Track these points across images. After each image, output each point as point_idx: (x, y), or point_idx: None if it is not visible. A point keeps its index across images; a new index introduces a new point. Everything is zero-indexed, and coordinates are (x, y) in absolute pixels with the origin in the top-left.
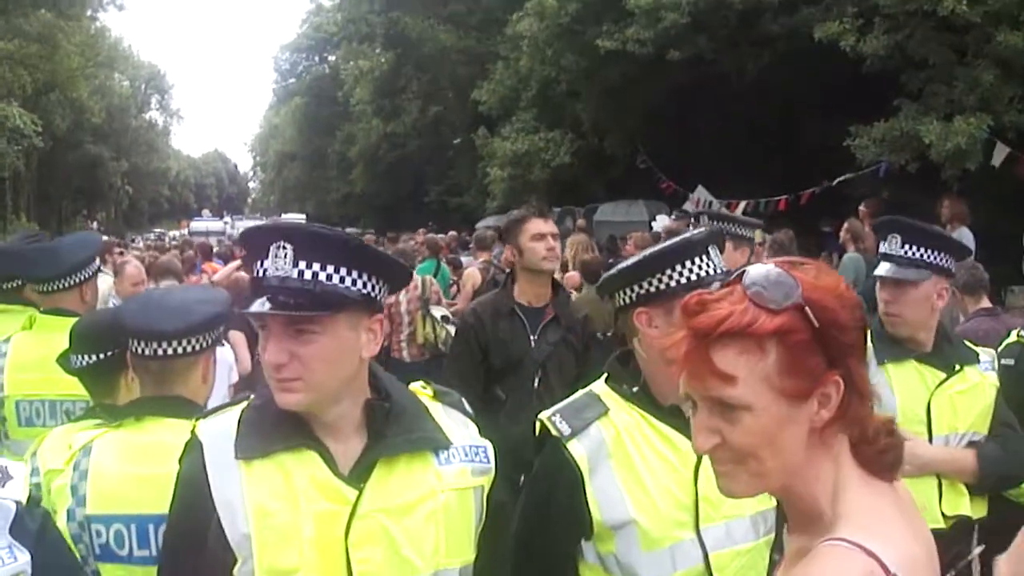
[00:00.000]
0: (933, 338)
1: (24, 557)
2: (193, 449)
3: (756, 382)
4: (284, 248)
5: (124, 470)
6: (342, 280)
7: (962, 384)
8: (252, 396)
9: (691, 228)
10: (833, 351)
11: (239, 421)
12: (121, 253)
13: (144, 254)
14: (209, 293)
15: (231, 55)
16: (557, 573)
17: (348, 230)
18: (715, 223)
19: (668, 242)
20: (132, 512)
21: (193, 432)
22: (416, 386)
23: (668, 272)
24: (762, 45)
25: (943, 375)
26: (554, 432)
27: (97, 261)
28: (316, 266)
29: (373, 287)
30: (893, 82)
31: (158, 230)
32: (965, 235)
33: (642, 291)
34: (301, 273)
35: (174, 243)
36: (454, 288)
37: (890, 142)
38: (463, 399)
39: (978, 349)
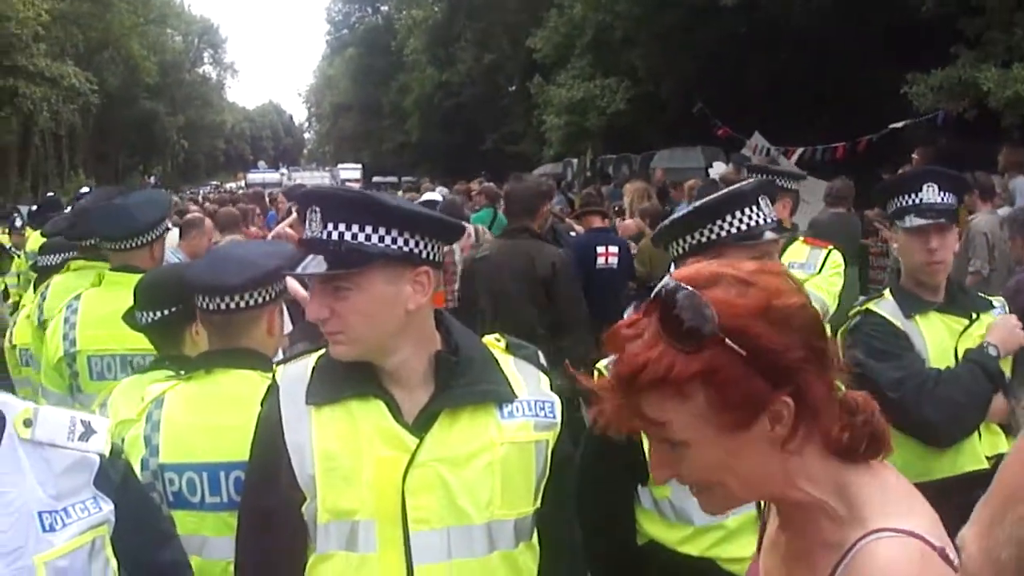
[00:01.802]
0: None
1: (108, 507)
2: (271, 393)
3: (690, 421)
4: (315, 212)
5: (195, 420)
6: (368, 238)
7: (982, 330)
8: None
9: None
10: (773, 373)
11: (313, 368)
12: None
13: (206, 207)
14: (272, 247)
15: (283, 7)
16: (617, 518)
17: (404, 179)
18: (755, 175)
19: (719, 193)
20: (204, 460)
21: (273, 376)
22: (490, 339)
23: (719, 222)
24: None
25: (965, 322)
26: None
27: (167, 221)
28: (342, 226)
29: (408, 242)
30: (951, 29)
31: (214, 182)
32: (1020, 184)
33: (694, 241)
34: (329, 234)
35: (241, 191)
36: None
37: (947, 90)
38: (539, 352)
39: (990, 297)
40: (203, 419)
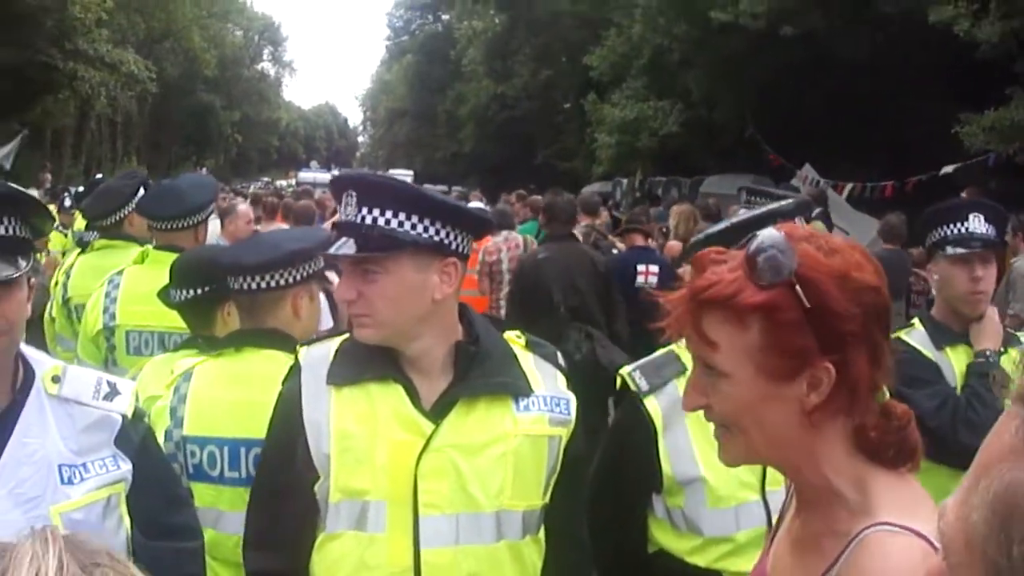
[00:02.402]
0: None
1: (126, 466)
2: (293, 372)
3: (737, 353)
4: (351, 195)
5: (220, 395)
6: (400, 224)
7: (1010, 364)
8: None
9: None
10: (827, 336)
11: (336, 350)
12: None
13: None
14: (304, 232)
15: (345, 9)
16: (628, 522)
17: (455, 188)
18: (755, 197)
19: (755, 212)
20: (225, 435)
21: (296, 356)
22: (511, 335)
23: None
24: (876, 26)
25: None
26: (633, 387)
27: (213, 204)
28: (376, 211)
29: (439, 232)
30: (1006, 70)
31: (265, 178)
32: None
33: None
34: (363, 218)
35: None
36: None
37: (999, 131)
38: (558, 353)
39: (1018, 334)
40: (228, 395)
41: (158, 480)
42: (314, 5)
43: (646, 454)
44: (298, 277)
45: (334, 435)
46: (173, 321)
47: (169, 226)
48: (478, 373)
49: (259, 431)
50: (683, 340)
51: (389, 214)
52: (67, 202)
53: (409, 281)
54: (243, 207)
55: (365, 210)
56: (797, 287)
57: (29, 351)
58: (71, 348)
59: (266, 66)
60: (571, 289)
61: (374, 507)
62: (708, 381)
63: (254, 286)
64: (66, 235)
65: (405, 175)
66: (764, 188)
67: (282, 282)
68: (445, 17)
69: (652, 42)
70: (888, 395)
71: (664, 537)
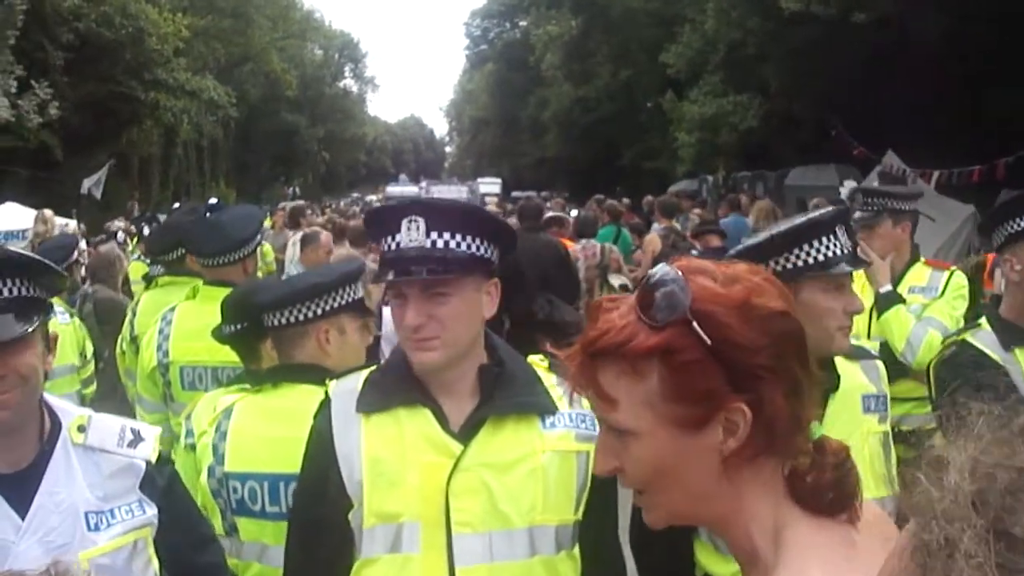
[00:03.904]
0: None
1: (152, 511)
2: (324, 406)
3: (638, 407)
4: (417, 221)
5: (259, 432)
6: (468, 247)
7: None
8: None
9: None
10: (735, 373)
11: (365, 380)
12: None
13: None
14: (328, 267)
15: (424, 22)
16: (675, 548)
17: (542, 193)
18: (872, 199)
19: (795, 221)
20: (265, 471)
21: (326, 391)
22: (534, 358)
23: (795, 251)
24: (950, 8)
25: None
26: None
27: (259, 236)
28: (447, 235)
29: (489, 251)
30: None
31: (355, 194)
32: None
33: (768, 269)
34: (434, 243)
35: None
36: (637, 254)
37: None
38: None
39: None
40: (266, 431)
41: (184, 522)
42: (393, 19)
43: None
44: (318, 312)
45: (366, 461)
46: (225, 356)
47: (216, 261)
48: (504, 393)
49: (296, 465)
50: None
51: (459, 237)
52: (146, 230)
53: (472, 301)
54: (325, 236)
55: (435, 235)
56: (694, 323)
57: (54, 401)
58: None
59: (348, 83)
60: (538, 268)
61: (408, 528)
62: (616, 443)
63: (276, 322)
64: (148, 263)
65: (493, 183)
66: (879, 188)
67: (301, 317)
68: (521, 23)
69: (726, 36)
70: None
71: (708, 560)
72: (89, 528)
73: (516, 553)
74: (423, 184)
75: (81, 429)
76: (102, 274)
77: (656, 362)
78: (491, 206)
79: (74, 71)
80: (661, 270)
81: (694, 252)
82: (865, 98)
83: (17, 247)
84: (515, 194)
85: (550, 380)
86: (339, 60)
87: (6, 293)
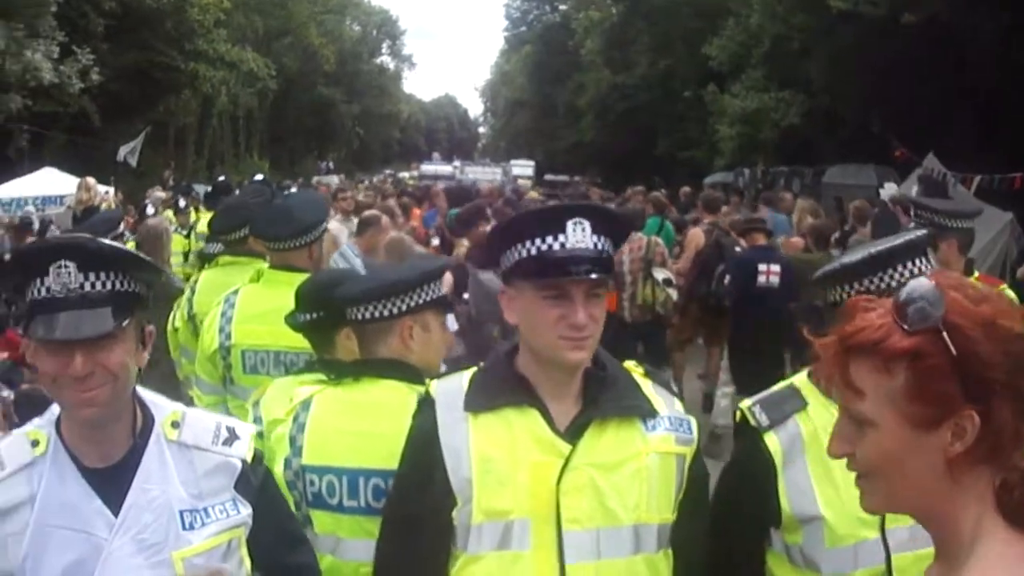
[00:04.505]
0: None
1: (246, 510)
2: (426, 405)
3: (882, 401)
4: (582, 224)
5: (339, 425)
6: (612, 249)
7: None
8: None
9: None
10: (972, 384)
11: (470, 380)
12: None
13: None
14: (413, 263)
15: (461, 2)
16: (745, 556)
17: (575, 178)
18: (921, 212)
19: (891, 242)
20: (344, 465)
21: (427, 391)
22: (629, 364)
23: (891, 271)
24: (1001, 7)
25: None
26: (752, 422)
27: (325, 223)
28: (604, 237)
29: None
30: None
31: (388, 171)
32: None
33: (862, 288)
34: (596, 244)
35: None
36: (677, 249)
37: None
38: (671, 380)
39: None
40: (347, 424)
41: (277, 521)
42: None
43: (766, 490)
44: (403, 308)
45: (475, 459)
46: (289, 340)
47: (283, 246)
48: (608, 397)
49: (378, 461)
50: (803, 374)
51: (610, 239)
52: (181, 203)
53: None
54: (385, 220)
55: (596, 237)
56: (944, 334)
57: (149, 396)
58: (195, 360)
59: (385, 60)
60: None
61: (518, 525)
62: (853, 429)
63: (360, 316)
64: (186, 236)
65: (526, 166)
66: (926, 202)
67: (386, 312)
68: (562, 7)
69: (771, 31)
70: None
71: (782, 572)
72: (184, 527)
73: (622, 550)
74: (457, 164)
75: (175, 425)
76: (148, 247)
77: (905, 363)
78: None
79: (115, 39)
80: (920, 282)
81: (737, 249)
82: (908, 99)
83: (55, 212)
84: (547, 177)
85: (646, 385)
86: (377, 36)
87: (99, 287)
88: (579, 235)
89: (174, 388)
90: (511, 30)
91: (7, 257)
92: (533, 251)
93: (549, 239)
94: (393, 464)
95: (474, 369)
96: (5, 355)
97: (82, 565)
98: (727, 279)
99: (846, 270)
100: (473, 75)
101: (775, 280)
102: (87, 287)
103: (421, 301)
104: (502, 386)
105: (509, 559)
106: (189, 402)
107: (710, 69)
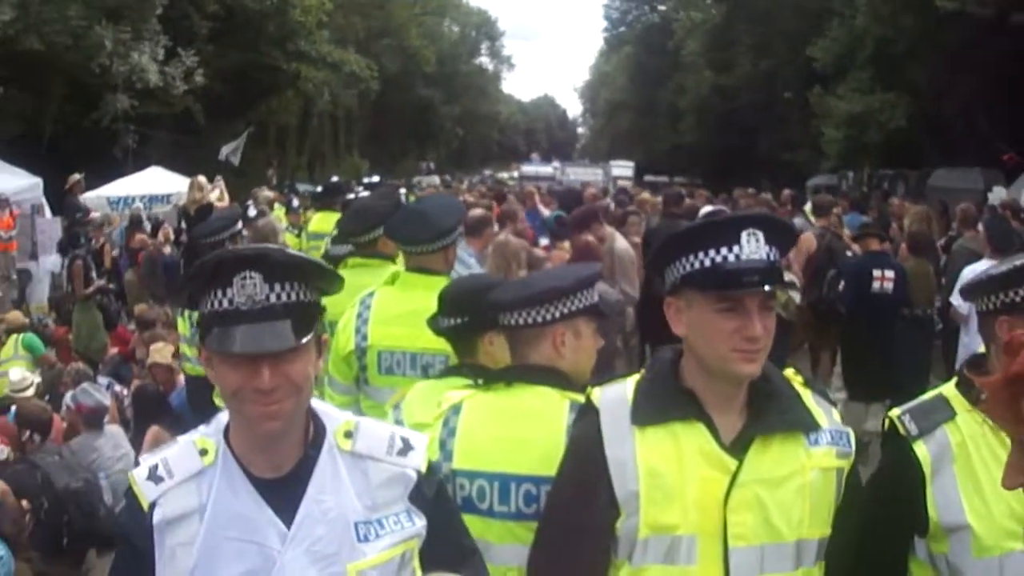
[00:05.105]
0: None
1: (421, 522)
2: (589, 414)
3: None
4: (756, 235)
5: (491, 430)
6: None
7: None
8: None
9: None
10: None
11: (635, 391)
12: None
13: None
14: (566, 269)
15: (560, 2)
16: (890, 564)
17: (676, 179)
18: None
19: None
20: (496, 470)
21: (589, 399)
22: (788, 373)
23: None
24: None
25: None
26: (901, 431)
27: (461, 227)
28: (776, 248)
29: None
30: None
31: (487, 171)
32: None
33: (1007, 299)
34: (768, 255)
35: (511, 182)
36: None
37: None
38: (825, 389)
39: None
40: (499, 430)
41: (450, 533)
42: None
43: (914, 499)
44: (556, 315)
45: (642, 472)
46: (425, 342)
47: (418, 249)
48: (773, 410)
49: (529, 467)
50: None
51: (778, 249)
52: (295, 203)
53: None
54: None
55: (769, 247)
56: None
57: (320, 406)
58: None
59: (484, 61)
60: None
61: (686, 541)
62: None
63: (513, 322)
64: (297, 235)
65: (626, 167)
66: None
67: (539, 319)
68: (661, 8)
69: (876, 33)
70: None
71: None
72: (359, 539)
73: (784, 566)
74: (557, 164)
75: (348, 435)
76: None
77: None
78: (645, 193)
79: (219, 40)
80: None
81: (848, 253)
82: (1017, 100)
83: (162, 210)
84: (647, 178)
85: (807, 396)
86: (476, 37)
87: (284, 298)
88: (753, 246)
89: None
90: (610, 31)
91: (115, 253)
92: (707, 262)
93: (724, 250)
94: (544, 470)
95: (636, 378)
96: (115, 350)
97: None
98: (841, 284)
99: (992, 279)
100: (572, 75)
101: (889, 286)
102: (272, 299)
103: (574, 308)
104: (671, 399)
105: (675, 574)
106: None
107: (812, 70)
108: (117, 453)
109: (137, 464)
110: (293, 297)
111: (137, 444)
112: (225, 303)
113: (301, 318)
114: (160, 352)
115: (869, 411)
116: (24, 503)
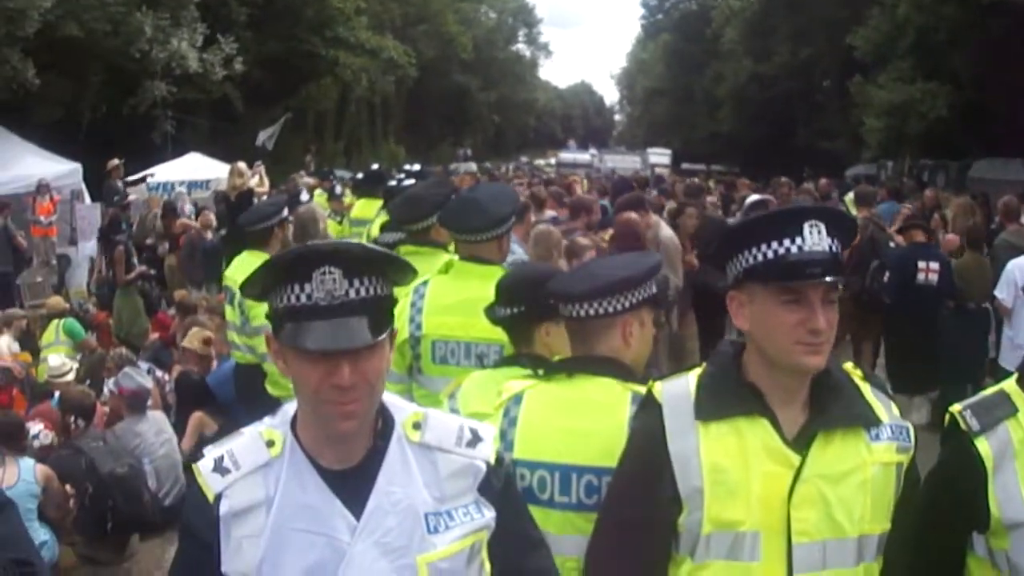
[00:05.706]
0: None
1: (490, 513)
2: (651, 407)
3: None
4: (818, 226)
5: (552, 421)
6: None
7: None
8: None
9: None
10: None
11: (697, 386)
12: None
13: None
14: (633, 259)
15: None
16: (947, 559)
17: (713, 167)
18: None
19: None
20: (557, 461)
21: (651, 392)
22: (848, 366)
23: None
24: None
25: None
26: (963, 426)
27: (514, 217)
28: (836, 240)
29: None
30: None
31: (524, 158)
32: None
33: None
34: (830, 246)
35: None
36: None
37: None
38: (885, 383)
39: None
40: (560, 421)
41: (518, 525)
42: None
43: (975, 495)
44: (626, 305)
45: (706, 468)
46: (479, 332)
47: (472, 238)
48: (835, 405)
49: (591, 458)
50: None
51: (839, 241)
52: (337, 189)
53: None
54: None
55: (831, 239)
56: None
57: (388, 397)
58: None
59: (521, 47)
60: None
61: (749, 537)
62: None
63: (582, 313)
64: (339, 222)
65: (663, 154)
66: None
67: (610, 309)
68: None
69: (917, 22)
70: None
71: (982, 574)
72: (429, 530)
73: (846, 561)
74: (594, 151)
75: (417, 427)
76: (303, 233)
77: None
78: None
79: (257, 27)
80: None
81: (892, 244)
82: None
83: (201, 196)
84: (684, 166)
85: (867, 390)
86: (512, 24)
87: (363, 293)
88: (815, 237)
89: None
90: (648, 18)
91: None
92: (770, 254)
93: (787, 242)
94: (606, 462)
95: (698, 372)
96: (156, 336)
97: (322, 568)
98: (885, 275)
99: None
100: (609, 63)
101: (934, 278)
102: (351, 294)
103: (642, 298)
104: (734, 394)
105: (739, 570)
106: None
107: (851, 59)
108: (160, 439)
109: (182, 451)
110: (371, 292)
111: (179, 430)
112: (303, 298)
113: (377, 313)
114: (192, 337)
115: (912, 404)
116: (68, 488)
